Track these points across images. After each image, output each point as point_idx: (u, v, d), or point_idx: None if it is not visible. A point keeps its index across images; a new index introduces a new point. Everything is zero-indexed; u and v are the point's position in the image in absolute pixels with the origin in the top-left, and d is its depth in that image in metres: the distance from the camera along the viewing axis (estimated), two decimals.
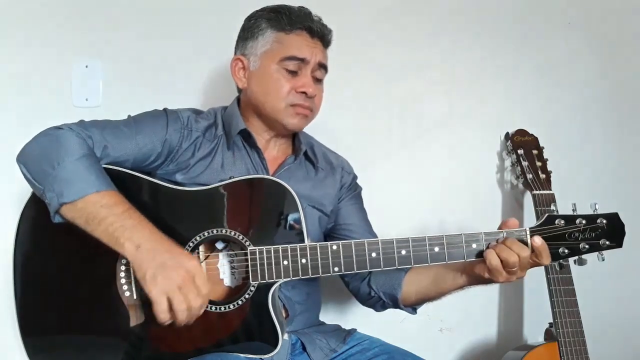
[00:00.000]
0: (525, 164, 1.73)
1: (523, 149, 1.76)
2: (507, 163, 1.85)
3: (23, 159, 1.18)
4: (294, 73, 1.34)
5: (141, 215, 1.14)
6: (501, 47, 1.93)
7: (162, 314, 1.07)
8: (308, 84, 1.34)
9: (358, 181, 1.56)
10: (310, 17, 1.36)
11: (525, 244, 1.18)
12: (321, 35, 1.37)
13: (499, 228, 1.21)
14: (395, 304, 1.39)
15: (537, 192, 1.67)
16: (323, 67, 1.39)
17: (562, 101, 1.94)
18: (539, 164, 1.73)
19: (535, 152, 1.75)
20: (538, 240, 1.17)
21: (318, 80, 1.39)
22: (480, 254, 1.19)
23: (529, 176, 1.70)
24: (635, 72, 1.97)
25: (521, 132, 1.80)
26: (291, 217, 1.22)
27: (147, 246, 1.09)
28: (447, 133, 1.90)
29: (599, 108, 1.96)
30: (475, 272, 1.22)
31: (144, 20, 1.82)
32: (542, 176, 1.71)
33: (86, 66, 1.81)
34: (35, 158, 1.16)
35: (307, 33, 1.35)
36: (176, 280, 1.07)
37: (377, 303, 1.43)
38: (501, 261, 1.15)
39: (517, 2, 1.94)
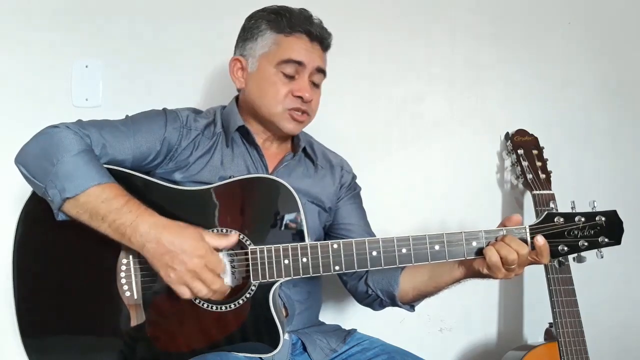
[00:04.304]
0: (525, 164, 1.74)
1: (523, 149, 1.76)
2: (507, 163, 1.85)
3: (22, 159, 1.18)
4: (291, 77, 1.34)
5: (141, 205, 1.14)
6: (501, 47, 1.93)
7: (186, 297, 1.13)
8: (305, 89, 1.33)
9: (358, 181, 1.56)
10: (310, 20, 1.36)
11: (525, 241, 1.18)
12: (320, 39, 1.37)
13: (501, 225, 1.21)
14: (393, 302, 1.39)
15: (537, 192, 1.67)
16: (321, 71, 1.38)
17: (562, 101, 1.94)
18: (539, 164, 1.73)
19: (535, 152, 1.75)
20: (541, 240, 1.17)
21: (315, 85, 1.39)
22: (480, 252, 1.19)
23: (529, 176, 1.71)
24: (635, 72, 1.98)
25: (521, 132, 1.80)
26: (291, 216, 1.21)
27: (152, 244, 1.11)
28: (447, 133, 1.90)
29: (599, 108, 1.96)
30: (474, 267, 1.22)
31: (144, 21, 1.82)
32: (542, 176, 1.71)
33: (86, 66, 1.80)
34: (35, 157, 1.16)
35: (306, 36, 1.34)
36: (189, 272, 1.10)
37: (375, 301, 1.43)
38: (500, 258, 1.16)
39: (517, 2, 1.95)
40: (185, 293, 1.12)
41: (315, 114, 1.41)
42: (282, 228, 1.22)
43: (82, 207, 1.13)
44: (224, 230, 1.20)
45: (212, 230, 1.19)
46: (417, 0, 1.92)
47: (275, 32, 1.34)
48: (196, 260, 1.10)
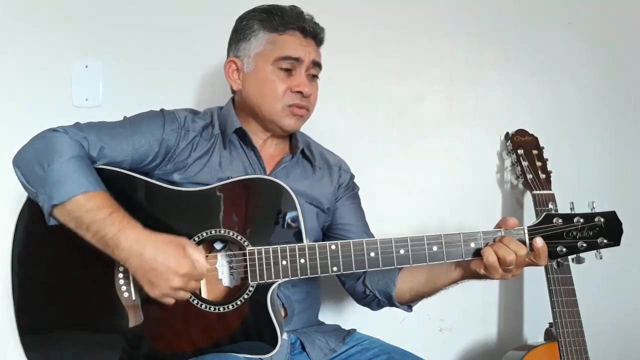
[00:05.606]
0: (525, 164, 1.73)
1: (523, 149, 1.75)
2: (507, 163, 1.85)
3: (18, 162, 1.19)
4: (288, 72, 1.34)
5: (124, 216, 1.14)
6: (501, 47, 1.93)
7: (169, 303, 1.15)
8: (303, 83, 1.34)
9: (357, 181, 1.56)
10: (302, 17, 1.36)
11: (523, 242, 1.18)
12: (314, 34, 1.37)
13: (497, 226, 1.21)
14: (390, 302, 1.39)
15: (537, 192, 1.67)
16: (317, 64, 1.39)
17: (562, 101, 1.94)
18: (539, 164, 1.73)
19: (535, 152, 1.75)
20: (539, 242, 1.16)
21: (313, 78, 1.39)
22: (478, 253, 1.18)
23: (529, 176, 1.70)
24: (635, 72, 1.97)
25: (521, 132, 1.79)
26: (289, 217, 1.22)
27: (134, 259, 1.11)
28: (447, 133, 1.90)
29: (599, 108, 1.95)
30: (471, 268, 1.22)
31: (143, 21, 1.83)
32: (542, 176, 1.70)
33: (86, 66, 1.81)
34: (28, 161, 1.17)
35: (300, 33, 1.35)
36: (171, 285, 1.11)
37: (373, 302, 1.43)
38: (498, 259, 1.15)
39: (517, 2, 1.94)
40: (170, 302, 1.15)
41: (314, 109, 1.41)
42: (281, 229, 1.22)
43: (69, 215, 1.13)
44: (222, 232, 1.20)
45: (204, 234, 1.20)
46: (418, 0, 1.91)
47: (269, 32, 1.35)
48: (179, 279, 1.11)
